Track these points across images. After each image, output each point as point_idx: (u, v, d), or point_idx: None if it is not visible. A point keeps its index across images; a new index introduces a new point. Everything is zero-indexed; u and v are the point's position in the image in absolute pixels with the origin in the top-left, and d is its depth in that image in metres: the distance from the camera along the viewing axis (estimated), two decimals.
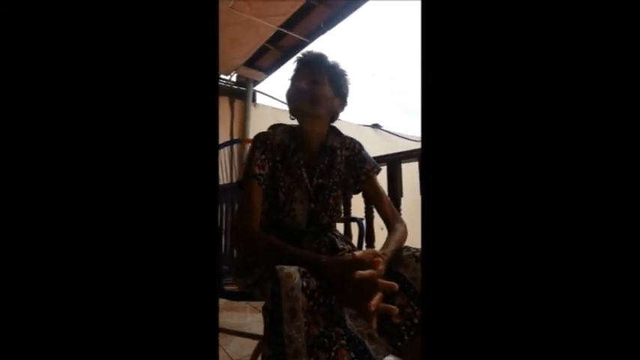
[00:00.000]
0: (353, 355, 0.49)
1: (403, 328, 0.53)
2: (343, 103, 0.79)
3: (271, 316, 0.47)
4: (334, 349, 0.48)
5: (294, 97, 0.74)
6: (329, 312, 0.50)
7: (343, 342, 0.49)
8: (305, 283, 0.49)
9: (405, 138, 5.71)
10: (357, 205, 1.40)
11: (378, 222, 0.87)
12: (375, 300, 0.46)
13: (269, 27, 2.96)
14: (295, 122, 0.80)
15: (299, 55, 0.78)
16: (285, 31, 3.11)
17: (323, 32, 3.13)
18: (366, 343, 0.51)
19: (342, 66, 0.77)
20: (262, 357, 0.47)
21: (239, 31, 2.97)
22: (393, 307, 0.47)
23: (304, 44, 3.32)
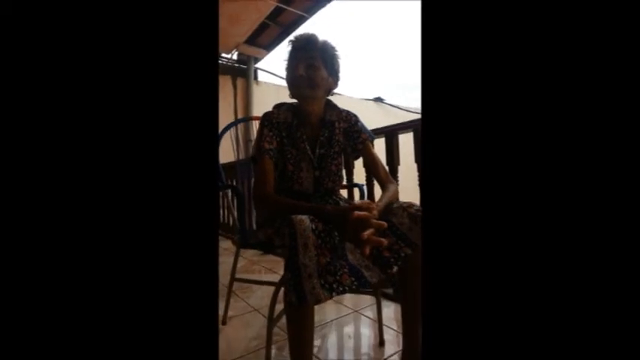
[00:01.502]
0: (353, 279, 0.63)
1: (392, 260, 0.68)
2: (337, 79, 0.90)
3: (290, 251, 0.61)
4: (339, 274, 0.62)
5: (294, 83, 0.85)
6: (333, 248, 0.64)
7: (345, 270, 0.64)
8: (314, 226, 0.63)
9: (407, 110, 5.73)
10: (359, 172, 1.53)
11: (379, 188, 0.99)
12: (368, 232, 0.59)
13: (268, 3, 2.95)
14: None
15: (291, 39, 0.87)
16: (284, 6, 3.11)
17: (322, 6, 3.12)
18: (363, 271, 0.66)
19: (332, 43, 0.87)
20: (285, 279, 0.62)
21: (238, 9, 2.97)
22: (382, 239, 0.61)
23: (304, 19, 3.32)
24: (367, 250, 0.59)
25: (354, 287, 0.63)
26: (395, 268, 0.67)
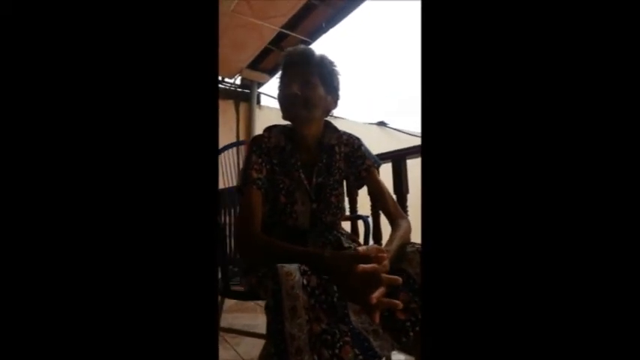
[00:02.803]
0: (357, 352, 0.48)
1: (408, 324, 0.53)
2: (336, 98, 0.78)
3: (273, 315, 0.47)
4: (338, 346, 0.47)
5: (287, 103, 0.73)
6: (332, 309, 0.49)
7: (347, 339, 0.48)
8: (305, 281, 0.48)
9: (412, 135, 5.67)
10: (364, 202, 1.39)
11: (385, 219, 0.86)
12: (378, 293, 0.45)
13: (271, 28, 2.97)
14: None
15: (285, 53, 0.76)
16: (287, 32, 3.12)
17: (325, 31, 3.13)
18: (371, 339, 0.50)
19: (330, 58, 0.75)
20: (266, 355, 0.47)
21: (241, 34, 2.99)
22: (397, 301, 0.46)
23: (307, 44, 3.33)
24: (377, 318, 0.44)
25: None
26: (411, 334, 0.52)
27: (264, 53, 3.51)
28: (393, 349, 0.52)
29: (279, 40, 3.31)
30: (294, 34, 3.18)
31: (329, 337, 0.47)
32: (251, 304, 1.78)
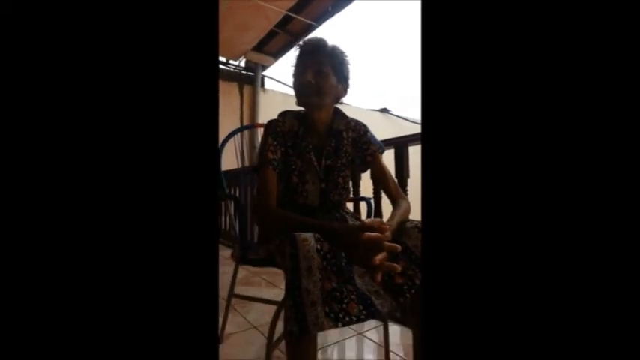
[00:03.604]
0: (361, 308, 0.57)
1: (405, 287, 0.61)
2: (346, 86, 0.84)
3: (291, 274, 0.55)
4: (345, 301, 0.56)
5: (302, 90, 0.79)
6: (340, 271, 0.58)
7: (353, 296, 0.57)
8: (319, 246, 0.57)
9: (413, 122, 5.69)
10: (366, 185, 1.47)
11: (386, 201, 0.93)
12: (380, 257, 0.53)
13: (277, 11, 2.95)
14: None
15: (300, 43, 0.82)
16: (293, 15, 3.10)
17: (331, 15, 3.12)
18: (373, 298, 0.59)
19: (342, 48, 0.82)
20: (284, 307, 0.56)
21: (247, 16, 2.97)
22: (396, 264, 0.54)
23: (312, 28, 3.32)
24: (379, 277, 0.52)
25: (362, 317, 0.56)
26: (408, 295, 0.61)
27: (270, 36, 3.48)
28: (392, 308, 0.61)
29: (284, 23, 3.29)
30: (299, 18, 3.17)
31: (338, 294, 0.56)
32: (257, 278, 1.88)
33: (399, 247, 0.55)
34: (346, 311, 0.55)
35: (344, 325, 0.55)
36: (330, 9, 3.08)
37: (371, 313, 0.58)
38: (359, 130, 0.88)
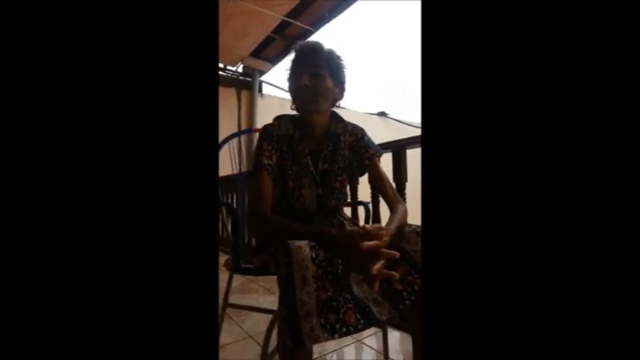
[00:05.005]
0: (359, 317, 0.54)
1: (404, 293, 0.59)
2: (343, 90, 0.83)
3: (285, 284, 0.53)
4: (342, 311, 0.53)
5: (297, 94, 0.78)
6: (336, 279, 0.55)
7: (350, 305, 0.55)
8: (314, 255, 0.54)
9: (411, 125, 5.69)
10: (364, 189, 1.45)
11: (385, 205, 0.92)
12: (378, 265, 0.51)
13: (274, 17, 2.96)
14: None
15: (295, 46, 0.80)
16: (291, 20, 3.11)
17: (328, 21, 3.12)
18: (371, 306, 0.57)
19: (338, 52, 0.80)
20: (278, 318, 0.53)
21: (244, 22, 2.98)
22: (394, 272, 0.52)
23: (309, 33, 3.32)
24: (377, 286, 0.50)
25: (360, 327, 0.54)
26: (407, 303, 0.58)
27: (267, 41, 3.49)
28: (391, 315, 0.58)
29: (282, 28, 3.30)
30: (297, 23, 3.17)
31: (334, 304, 0.53)
32: (254, 285, 1.85)
33: (396, 254, 0.53)
34: (343, 321, 0.53)
35: (341, 336, 0.52)
36: (327, 14, 3.09)
37: (369, 321, 0.55)
38: (356, 133, 0.86)
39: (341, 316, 0.53)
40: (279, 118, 0.83)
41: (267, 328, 0.68)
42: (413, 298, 0.58)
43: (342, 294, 0.55)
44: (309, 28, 3.24)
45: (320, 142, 0.82)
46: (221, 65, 4.04)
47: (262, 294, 1.73)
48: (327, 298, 0.53)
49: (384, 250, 0.53)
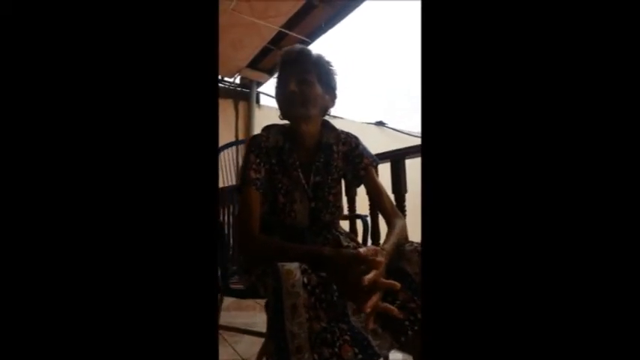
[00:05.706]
0: (357, 351, 0.49)
1: (407, 323, 0.53)
2: (334, 97, 0.78)
3: (274, 313, 0.47)
4: (338, 344, 0.48)
5: (285, 101, 0.73)
6: (331, 307, 0.50)
7: (347, 337, 0.49)
8: (306, 280, 0.49)
9: (410, 134, 5.67)
10: (363, 201, 1.40)
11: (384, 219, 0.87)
12: (372, 301, 0.46)
13: (270, 28, 2.96)
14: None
15: (282, 52, 0.76)
16: (287, 31, 3.12)
17: (324, 31, 3.13)
18: (370, 338, 0.51)
19: (326, 57, 0.76)
20: (266, 353, 0.47)
21: (241, 33, 2.98)
22: (392, 307, 0.47)
23: (306, 44, 3.33)
24: (371, 324, 0.45)
25: None
26: (410, 333, 0.52)
27: (264, 53, 3.50)
28: (392, 348, 0.52)
29: (278, 39, 3.30)
30: (293, 34, 3.18)
31: (329, 336, 0.48)
32: (250, 302, 1.78)
33: (397, 285, 0.48)
34: (339, 356, 0.47)
35: None
36: (323, 25, 3.09)
37: (368, 356, 0.49)
38: (350, 142, 0.82)
39: (336, 350, 0.47)
40: (268, 129, 0.78)
41: None
42: (416, 328, 0.53)
43: (337, 324, 0.49)
44: (306, 39, 3.25)
45: (312, 153, 0.78)
46: (219, 77, 4.04)
47: (259, 311, 1.65)
48: (321, 330, 0.47)
49: (382, 280, 0.47)
